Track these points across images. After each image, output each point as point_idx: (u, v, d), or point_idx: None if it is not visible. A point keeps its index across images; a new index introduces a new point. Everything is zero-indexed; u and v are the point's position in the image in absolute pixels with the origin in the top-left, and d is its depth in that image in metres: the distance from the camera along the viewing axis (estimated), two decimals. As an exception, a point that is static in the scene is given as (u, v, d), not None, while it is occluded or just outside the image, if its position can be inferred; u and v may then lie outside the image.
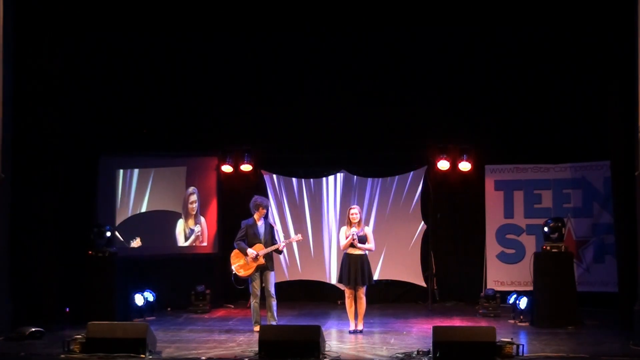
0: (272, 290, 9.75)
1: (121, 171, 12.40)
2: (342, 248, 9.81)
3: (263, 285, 9.76)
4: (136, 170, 12.45)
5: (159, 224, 12.42)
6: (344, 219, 10.11)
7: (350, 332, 9.65)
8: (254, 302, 9.74)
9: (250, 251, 9.71)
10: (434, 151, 12.18)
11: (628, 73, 8.98)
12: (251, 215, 9.95)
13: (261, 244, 9.77)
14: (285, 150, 12.60)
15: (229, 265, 9.93)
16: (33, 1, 10.06)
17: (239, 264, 9.78)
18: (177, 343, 8.78)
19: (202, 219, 12.54)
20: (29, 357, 8.06)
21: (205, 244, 12.44)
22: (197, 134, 12.43)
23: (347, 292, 9.73)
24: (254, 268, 9.73)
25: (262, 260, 9.72)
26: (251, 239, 9.79)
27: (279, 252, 10.10)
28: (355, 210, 9.73)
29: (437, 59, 11.86)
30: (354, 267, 9.61)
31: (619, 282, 10.17)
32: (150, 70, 11.93)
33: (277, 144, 12.50)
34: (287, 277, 12.73)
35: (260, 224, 9.91)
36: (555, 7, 10.74)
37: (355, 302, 9.72)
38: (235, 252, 9.88)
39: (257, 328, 9.37)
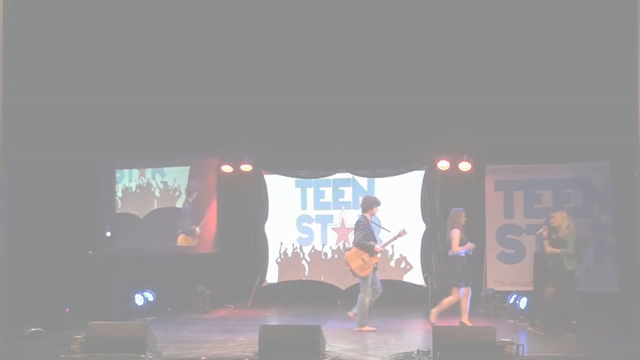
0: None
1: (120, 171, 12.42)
2: (456, 250, 9.85)
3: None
4: (135, 171, 12.45)
5: (165, 222, 12.47)
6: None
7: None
8: (367, 301, 9.74)
9: (378, 247, 9.90)
10: (434, 151, 12.18)
11: (628, 73, 8.98)
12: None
13: (374, 242, 9.94)
14: (285, 150, 12.60)
15: (346, 266, 9.86)
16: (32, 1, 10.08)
17: (358, 265, 9.75)
18: (177, 343, 8.79)
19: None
20: (29, 357, 8.08)
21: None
22: (197, 134, 12.41)
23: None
24: (372, 267, 9.78)
25: (378, 259, 9.84)
26: (369, 238, 9.91)
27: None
28: None
29: (437, 58, 11.83)
30: None
31: (619, 282, 10.16)
32: (150, 71, 11.91)
33: (277, 144, 12.49)
34: (282, 277, 12.77)
35: (370, 222, 10.00)
36: (556, 8, 10.74)
37: None
38: (352, 253, 9.82)
39: (366, 328, 9.57)
